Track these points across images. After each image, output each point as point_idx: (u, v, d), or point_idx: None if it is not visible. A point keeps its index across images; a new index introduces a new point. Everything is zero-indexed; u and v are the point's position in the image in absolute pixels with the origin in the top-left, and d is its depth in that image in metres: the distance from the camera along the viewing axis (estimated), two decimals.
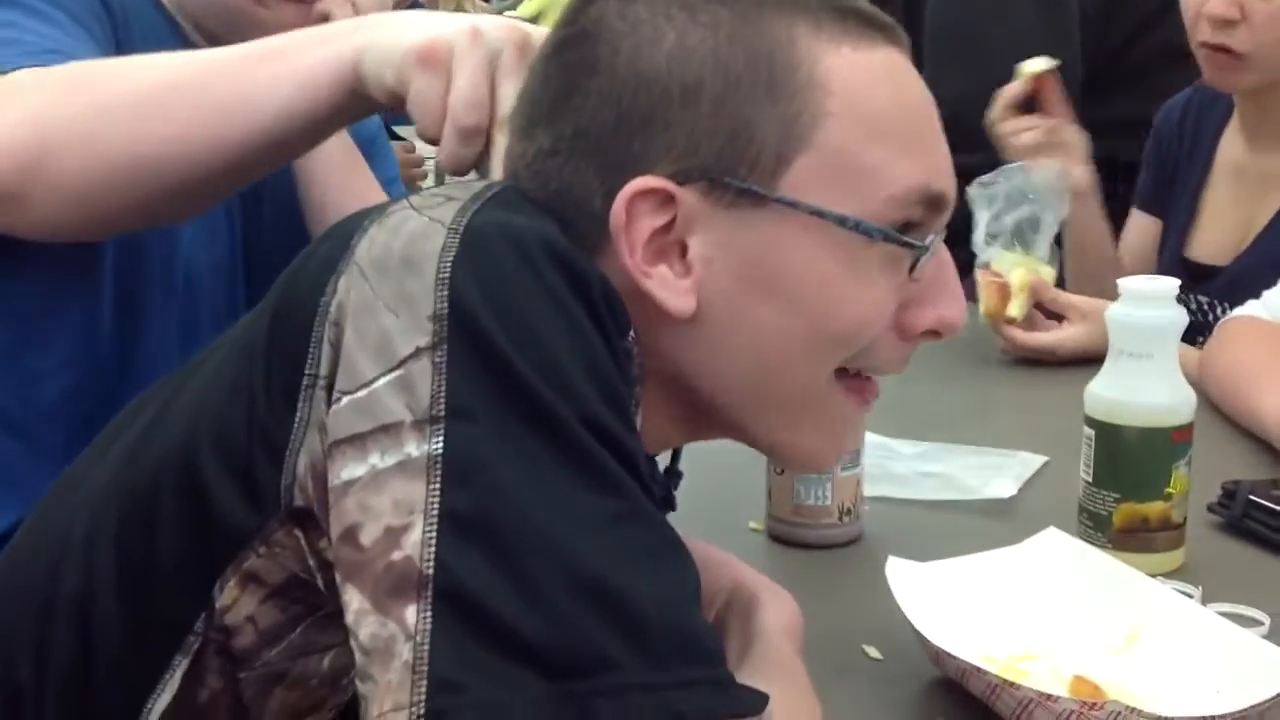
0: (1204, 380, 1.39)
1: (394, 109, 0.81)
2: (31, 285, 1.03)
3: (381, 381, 0.60)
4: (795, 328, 0.70)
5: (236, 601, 0.66)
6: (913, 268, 0.72)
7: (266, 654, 0.66)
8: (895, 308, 0.72)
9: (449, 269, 0.61)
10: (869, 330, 0.72)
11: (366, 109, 0.83)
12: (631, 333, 0.67)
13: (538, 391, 0.59)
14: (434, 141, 0.79)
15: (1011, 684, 0.79)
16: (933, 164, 0.72)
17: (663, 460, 0.82)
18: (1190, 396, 1.05)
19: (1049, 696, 0.77)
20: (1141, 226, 1.76)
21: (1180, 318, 1.05)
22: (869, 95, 0.70)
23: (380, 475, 0.59)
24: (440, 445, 0.59)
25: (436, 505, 0.58)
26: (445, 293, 0.60)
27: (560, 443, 0.59)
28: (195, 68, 0.86)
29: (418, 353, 0.60)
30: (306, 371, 0.63)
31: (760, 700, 0.61)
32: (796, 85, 0.69)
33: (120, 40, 1.07)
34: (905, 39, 0.73)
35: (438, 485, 0.58)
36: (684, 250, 0.70)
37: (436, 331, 0.60)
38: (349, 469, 0.60)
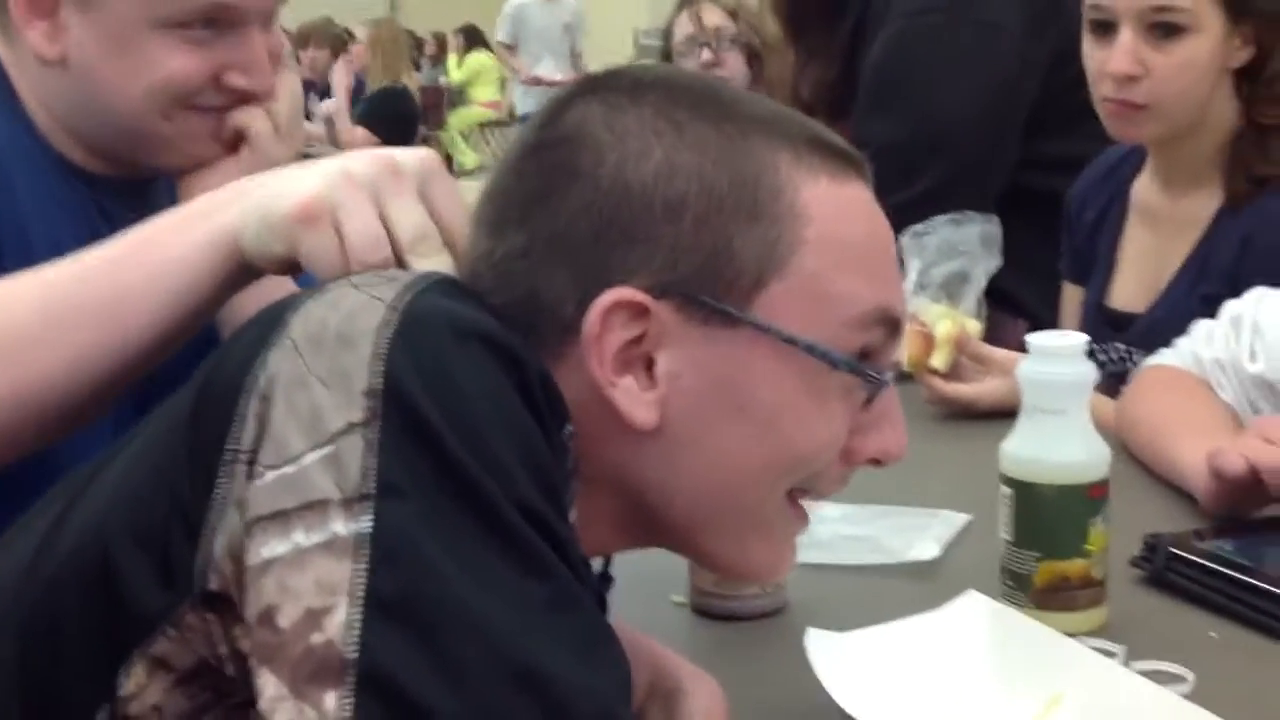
0: (1121, 431, 1.39)
1: (287, 274, 0.80)
2: None
3: (310, 457, 0.59)
4: (756, 449, 0.72)
5: (143, 689, 0.64)
6: (869, 400, 0.74)
7: None
8: (847, 434, 0.74)
9: (386, 345, 0.61)
10: (826, 455, 0.74)
11: (254, 277, 0.82)
12: (569, 427, 0.67)
13: (471, 473, 0.59)
14: None
15: None
16: (891, 289, 0.75)
17: (596, 565, 0.81)
18: (1105, 451, 1.05)
19: None
20: (1073, 297, 1.78)
21: (1090, 373, 1.05)
22: (843, 225, 0.73)
23: (304, 554, 0.58)
24: (370, 524, 0.58)
25: (362, 586, 0.57)
26: (381, 368, 0.60)
27: (492, 525, 0.59)
28: (63, 287, 0.81)
29: (349, 428, 0.59)
30: (228, 446, 0.62)
31: None
32: (778, 211, 0.71)
33: None
34: (869, 171, 0.77)
35: (365, 565, 0.57)
36: (650, 363, 0.70)
37: (370, 407, 0.59)
38: (270, 546, 0.59)
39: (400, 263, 0.75)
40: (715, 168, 0.70)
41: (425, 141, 8.01)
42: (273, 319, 0.64)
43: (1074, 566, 1.02)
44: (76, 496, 0.70)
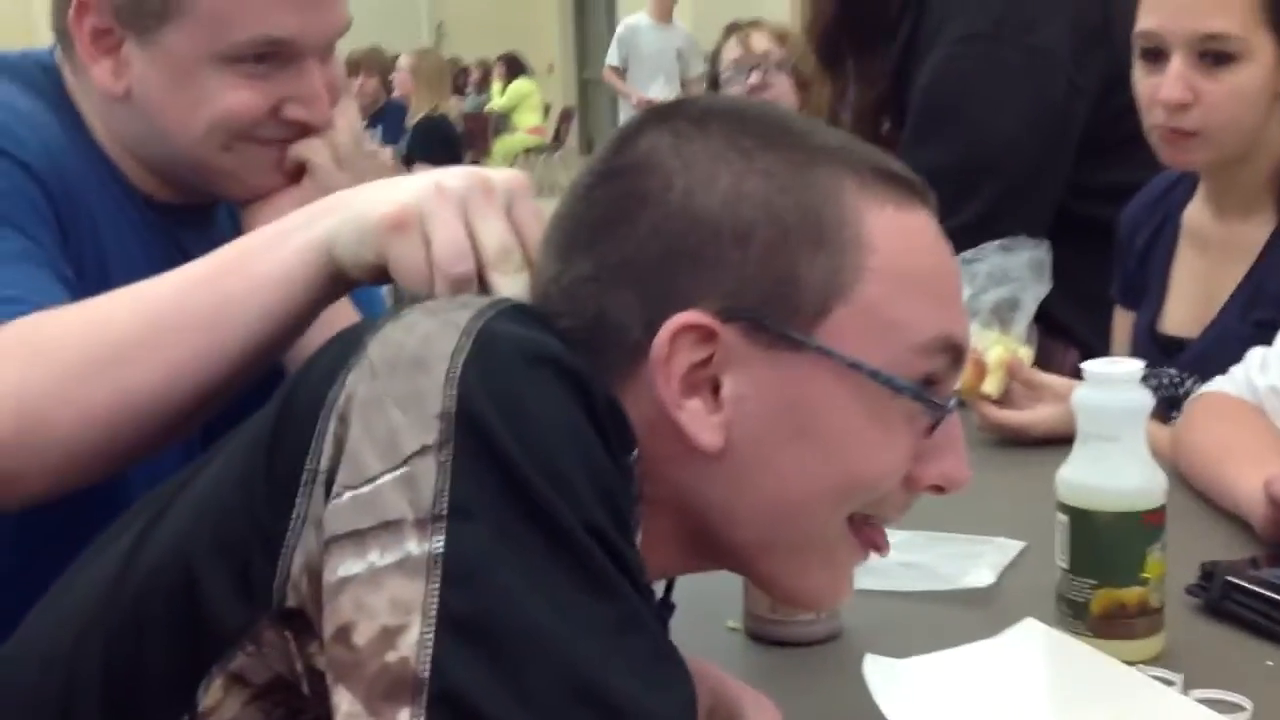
0: (1176, 459, 1.39)
1: (378, 282, 0.81)
2: None
3: (386, 478, 0.61)
4: (819, 473, 0.72)
5: (220, 704, 0.65)
6: (932, 427, 0.75)
7: None
8: (910, 461, 0.75)
9: (460, 369, 0.62)
10: (888, 481, 0.75)
11: (346, 290, 0.84)
12: (635, 453, 0.68)
13: (542, 495, 0.60)
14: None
15: None
16: (954, 316, 0.76)
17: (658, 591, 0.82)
18: (1161, 478, 1.05)
19: None
20: (1124, 322, 1.78)
21: (1146, 399, 1.05)
22: (907, 254, 0.74)
23: (379, 573, 0.60)
24: (441, 545, 0.59)
25: (435, 606, 0.58)
26: (454, 392, 0.61)
27: (562, 547, 0.60)
28: (164, 300, 0.84)
29: (423, 451, 0.61)
30: (307, 466, 0.63)
31: None
32: (843, 240, 0.72)
33: (63, 218, 1.03)
34: (934, 201, 0.77)
35: (437, 585, 0.59)
36: (717, 386, 0.71)
37: (443, 430, 0.61)
38: (346, 565, 0.60)
39: (482, 277, 0.77)
40: (782, 195, 0.72)
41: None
42: (351, 340, 0.66)
43: (1131, 594, 1.02)
44: (160, 513, 0.71)
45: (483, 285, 0.78)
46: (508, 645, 0.57)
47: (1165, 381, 1.62)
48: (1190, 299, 1.65)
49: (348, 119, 1.16)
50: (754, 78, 2.68)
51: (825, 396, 0.72)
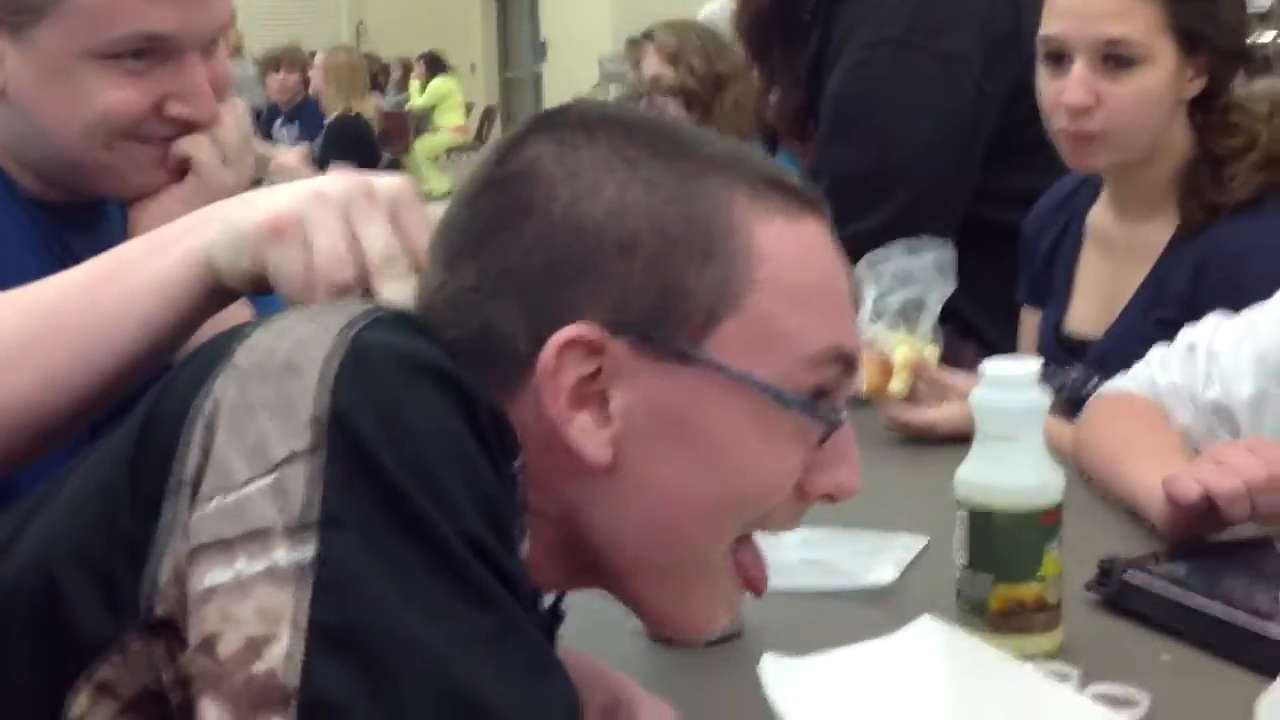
0: (1077, 456, 1.40)
1: (259, 292, 0.79)
2: None
3: (253, 485, 0.59)
4: (706, 487, 0.71)
5: (88, 714, 0.63)
6: (823, 439, 0.74)
7: None
8: (801, 472, 0.74)
9: (334, 374, 0.60)
10: (778, 495, 0.74)
11: (227, 300, 0.81)
12: (519, 461, 0.66)
13: (415, 503, 0.58)
14: None
15: None
16: (845, 326, 0.75)
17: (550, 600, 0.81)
18: (1058, 478, 1.05)
19: None
20: (1030, 322, 1.80)
21: (1043, 399, 1.06)
22: (796, 266, 0.72)
23: (246, 582, 0.58)
24: (312, 553, 0.57)
25: (305, 615, 0.57)
26: (327, 397, 0.60)
27: (436, 555, 0.58)
28: (40, 306, 0.82)
29: (293, 457, 0.59)
30: (173, 474, 0.61)
31: None
32: (732, 251, 0.70)
33: None
34: (827, 210, 0.76)
35: (307, 595, 0.57)
36: (605, 399, 0.70)
37: (315, 436, 0.59)
38: (212, 574, 0.59)
39: (367, 284, 0.75)
40: (668, 206, 0.70)
41: (391, 167, 8.01)
42: (219, 348, 0.64)
43: (1029, 590, 1.03)
44: (24, 521, 0.69)
45: (367, 294, 0.76)
46: (380, 655, 0.56)
47: (1069, 381, 1.64)
48: (1094, 299, 1.67)
49: (235, 115, 1.13)
50: (643, 105, 2.67)
51: (714, 409, 0.70)
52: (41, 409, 0.79)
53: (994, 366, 1.05)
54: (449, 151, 11.44)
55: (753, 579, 0.77)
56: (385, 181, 0.78)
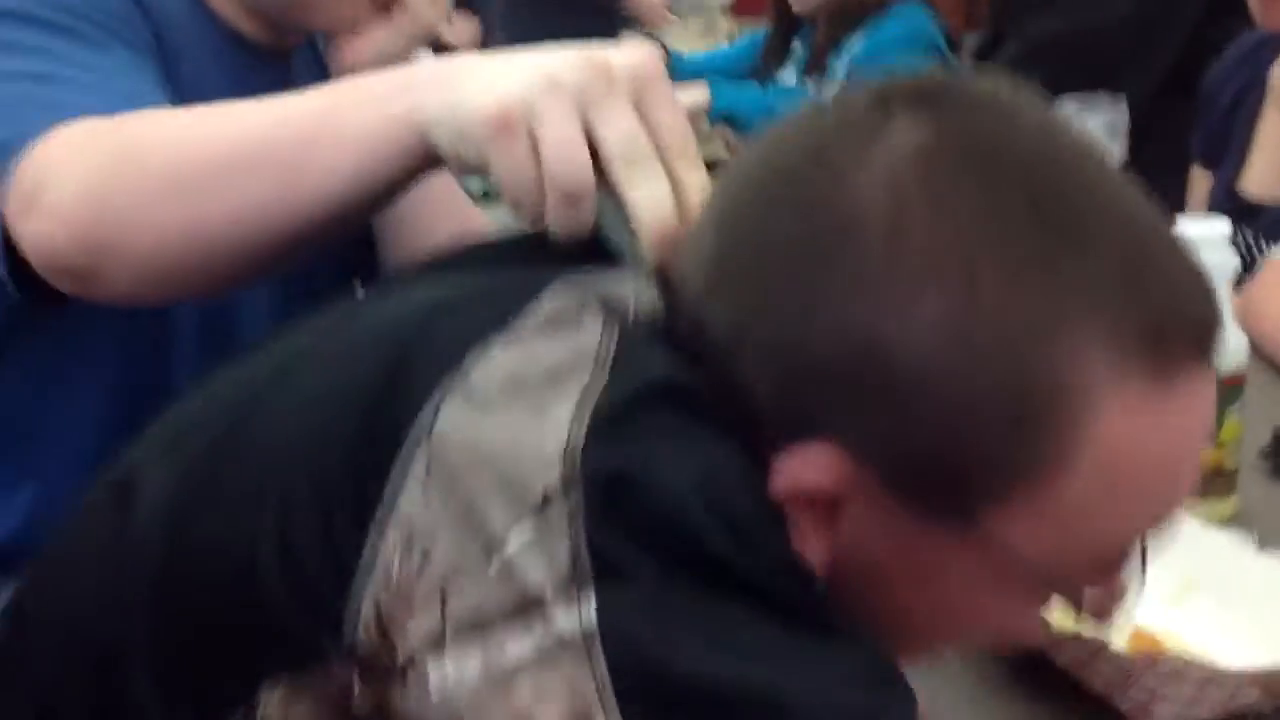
0: (1247, 320, 1.37)
1: (482, 174, 0.72)
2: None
3: (512, 544, 0.50)
4: (922, 626, 0.61)
5: (280, 716, 0.56)
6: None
7: None
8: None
9: (580, 440, 0.51)
10: (989, 638, 0.67)
11: (441, 167, 0.75)
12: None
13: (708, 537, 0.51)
14: (539, 217, 0.68)
15: (1075, 637, 0.79)
16: (1166, 515, 0.59)
17: None
18: (1241, 343, 1.04)
19: (1110, 650, 0.78)
20: (1201, 181, 1.75)
21: (1229, 262, 1.04)
22: (1135, 451, 0.55)
23: (526, 668, 0.50)
24: (594, 617, 0.49)
25: (611, 696, 0.49)
26: (579, 445, 0.51)
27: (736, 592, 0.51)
28: (250, 132, 0.78)
29: (547, 502, 0.50)
30: (384, 500, 0.53)
31: None
32: (1054, 425, 0.54)
33: (162, 39, 1.01)
34: (1210, 355, 0.57)
35: (605, 668, 0.49)
36: (835, 508, 0.57)
37: (566, 481, 0.50)
38: (467, 662, 0.50)
39: (606, 184, 0.65)
40: (993, 351, 0.53)
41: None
42: (457, 339, 0.55)
43: (1207, 454, 1.03)
44: (213, 458, 0.60)
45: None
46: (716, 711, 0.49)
47: (1241, 242, 1.59)
48: (1273, 160, 1.62)
49: None
50: None
51: (960, 570, 0.57)
52: (242, 235, 0.77)
53: (1182, 227, 1.04)
54: None
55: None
56: (625, 59, 0.67)
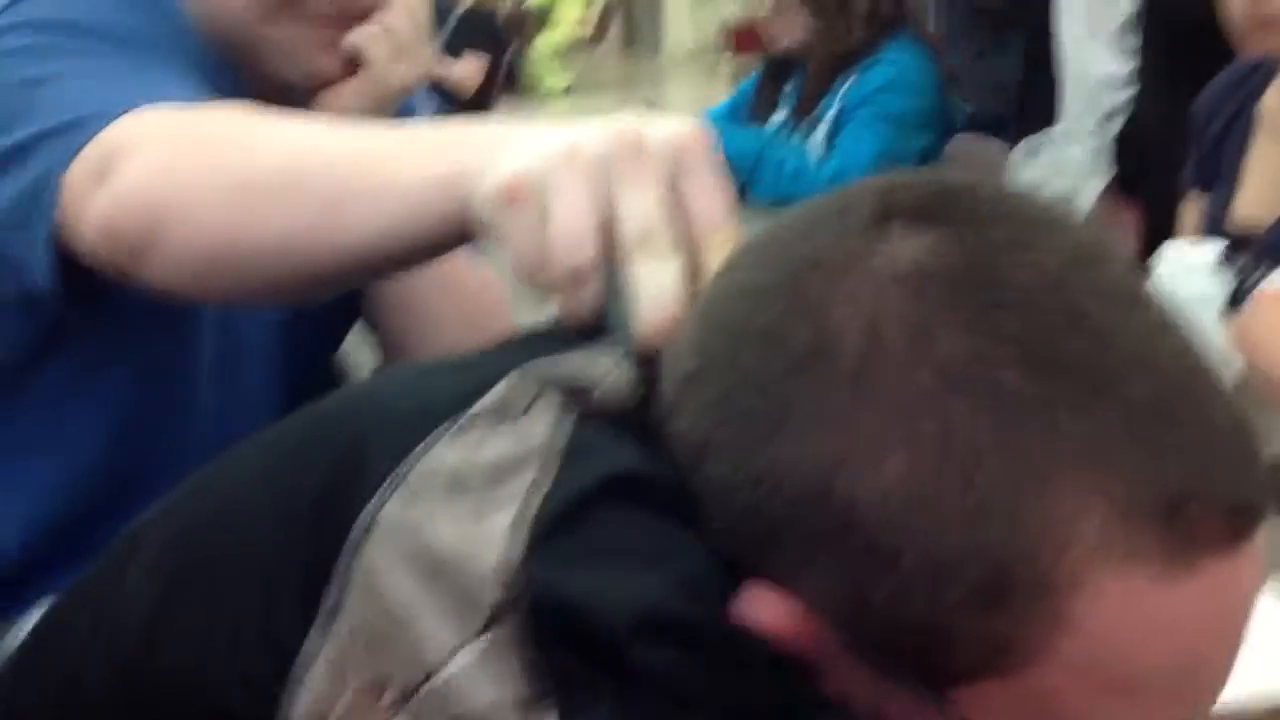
0: (1240, 349, 1.36)
1: None
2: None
3: (459, 660, 0.47)
4: None
5: None
6: None
7: None
8: None
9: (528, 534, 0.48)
10: None
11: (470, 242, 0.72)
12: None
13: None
14: (546, 293, 0.65)
15: None
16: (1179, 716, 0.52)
17: None
18: (1232, 373, 1.02)
19: None
20: (1193, 208, 1.75)
21: (1215, 289, 1.02)
22: (1131, 654, 0.48)
23: None
24: None
25: None
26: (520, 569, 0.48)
27: None
28: (307, 167, 0.77)
29: (491, 622, 0.47)
30: (325, 602, 0.50)
31: None
32: (1037, 611, 0.47)
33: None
34: (1254, 529, 0.48)
35: None
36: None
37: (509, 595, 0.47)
38: None
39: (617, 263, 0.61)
40: (971, 522, 0.46)
41: (513, 66, 7.97)
42: (409, 430, 0.52)
43: None
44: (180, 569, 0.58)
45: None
46: None
47: (1235, 271, 1.59)
48: (1264, 187, 1.62)
49: (407, 3, 1.07)
50: None
51: None
52: (275, 253, 0.76)
53: (1172, 252, 1.02)
54: (570, 46, 11.38)
55: None
56: (664, 133, 0.62)
